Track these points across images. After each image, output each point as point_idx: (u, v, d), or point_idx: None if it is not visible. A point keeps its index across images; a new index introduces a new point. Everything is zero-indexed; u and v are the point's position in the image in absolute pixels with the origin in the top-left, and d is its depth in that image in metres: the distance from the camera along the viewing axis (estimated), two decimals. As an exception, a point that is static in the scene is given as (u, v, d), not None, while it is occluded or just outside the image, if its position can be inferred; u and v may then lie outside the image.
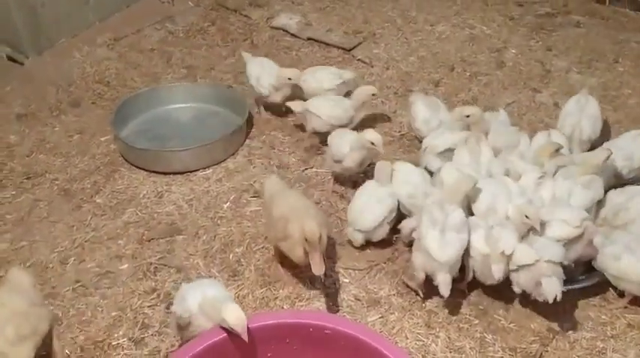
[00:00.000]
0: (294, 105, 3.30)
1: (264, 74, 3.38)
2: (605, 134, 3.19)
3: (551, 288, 2.27)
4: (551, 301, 2.28)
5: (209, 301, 2.06)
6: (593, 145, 3.01)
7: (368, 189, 2.74)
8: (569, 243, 2.44)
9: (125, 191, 3.09)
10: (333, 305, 2.51)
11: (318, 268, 2.26)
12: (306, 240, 2.28)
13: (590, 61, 3.92)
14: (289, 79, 3.33)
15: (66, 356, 2.32)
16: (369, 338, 1.89)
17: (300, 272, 2.61)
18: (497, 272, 2.36)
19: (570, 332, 2.42)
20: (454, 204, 2.44)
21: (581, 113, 3.04)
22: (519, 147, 2.90)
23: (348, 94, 3.38)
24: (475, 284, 2.51)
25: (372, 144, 2.82)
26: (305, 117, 3.27)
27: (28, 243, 2.82)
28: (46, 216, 2.96)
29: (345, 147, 2.91)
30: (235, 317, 1.95)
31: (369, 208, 2.66)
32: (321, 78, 3.41)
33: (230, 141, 3.28)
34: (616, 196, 2.67)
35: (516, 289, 2.40)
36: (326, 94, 3.33)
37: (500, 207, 2.51)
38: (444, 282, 2.32)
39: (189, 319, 2.10)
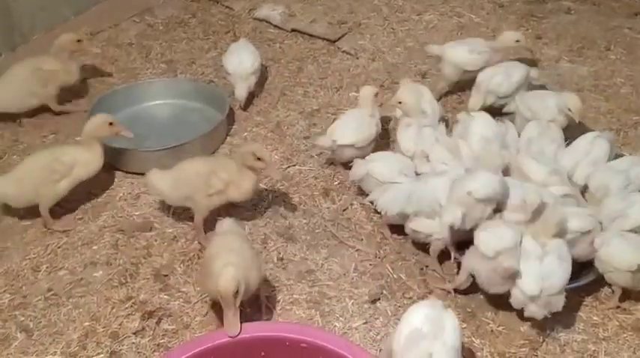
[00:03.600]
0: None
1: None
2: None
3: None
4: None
5: None
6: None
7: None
8: (576, 239, 2.37)
9: (101, 193, 2.98)
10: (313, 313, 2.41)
11: (231, 328, 1.97)
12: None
13: (581, 49, 3.82)
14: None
15: None
16: (349, 352, 1.80)
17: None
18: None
19: (561, 334, 2.34)
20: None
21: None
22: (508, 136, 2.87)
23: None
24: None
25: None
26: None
27: None
28: (17, 222, 2.84)
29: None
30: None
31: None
32: (248, 52, 3.46)
33: (209, 138, 3.17)
34: (615, 202, 2.53)
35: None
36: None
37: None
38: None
39: None
